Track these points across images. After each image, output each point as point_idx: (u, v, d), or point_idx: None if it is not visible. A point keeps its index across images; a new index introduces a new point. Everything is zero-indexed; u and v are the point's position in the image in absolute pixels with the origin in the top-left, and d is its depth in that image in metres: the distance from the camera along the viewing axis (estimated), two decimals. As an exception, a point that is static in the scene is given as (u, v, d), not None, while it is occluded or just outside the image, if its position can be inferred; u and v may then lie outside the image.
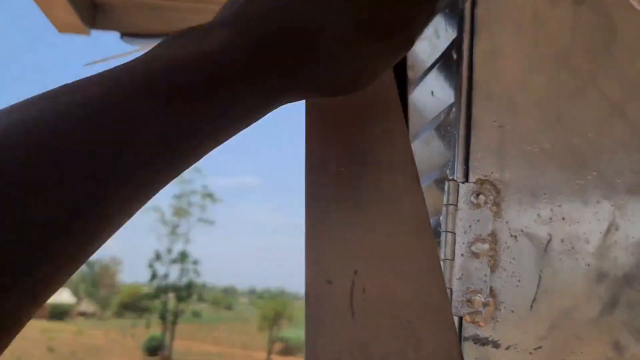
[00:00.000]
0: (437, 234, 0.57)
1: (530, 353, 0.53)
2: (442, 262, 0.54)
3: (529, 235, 0.54)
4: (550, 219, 0.54)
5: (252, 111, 0.36)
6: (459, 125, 0.56)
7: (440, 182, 0.62)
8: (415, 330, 0.32)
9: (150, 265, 39.17)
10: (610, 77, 0.56)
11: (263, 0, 0.37)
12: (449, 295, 0.53)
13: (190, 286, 38.02)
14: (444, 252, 0.54)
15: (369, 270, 0.32)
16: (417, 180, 0.42)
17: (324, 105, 0.49)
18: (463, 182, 0.55)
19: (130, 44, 1.65)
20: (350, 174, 0.41)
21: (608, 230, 0.54)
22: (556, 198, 0.54)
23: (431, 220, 0.60)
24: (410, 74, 0.81)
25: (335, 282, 0.32)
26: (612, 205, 0.54)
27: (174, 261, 38.72)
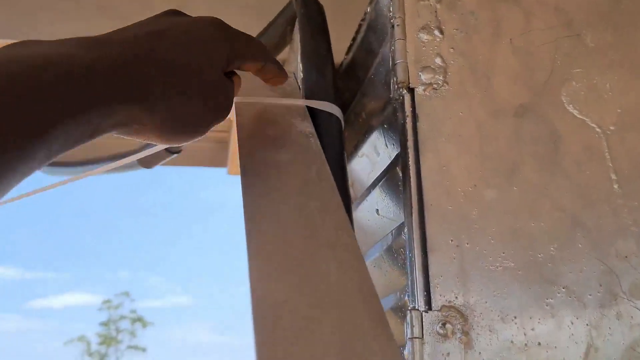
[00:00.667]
0: (403, 373, 0.50)
1: None
2: (413, 409, 0.47)
3: (505, 367, 0.48)
4: (526, 345, 0.49)
5: (86, 122, 0.36)
6: (413, 247, 0.52)
7: (398, 310, 0.56)
8: None
9: (75, 403, 35.74)
10: (561, 187, 0.54)
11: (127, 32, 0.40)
12: None
13: (120, 423, 34.81)
14: (414, 396, 0.47)
15: None
16: (361, 257, 0.39)
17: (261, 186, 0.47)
18: (426, 311, 0.49)
19: (50, 174, 1.56)
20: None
21: (587, 354, 0.49)
22: (528, 321, 0.49)
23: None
24: (352, 192, 0.77)
25: None
26: (587, 325, 0.50)
27: (102, 396, 35.58)
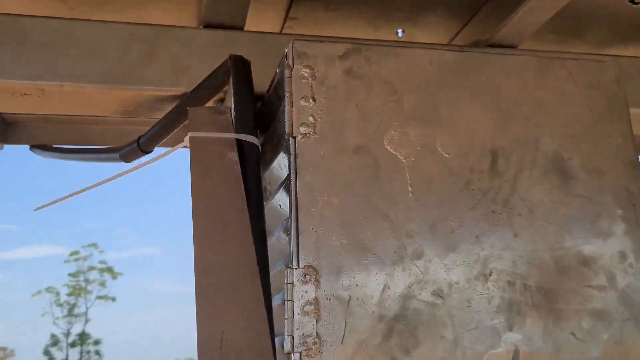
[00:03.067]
0: (283, 302, 0.90)
1: (344, 370, 0.87)
2: (285, 320, 0.87)
3: (337, 298, 0.88)
4: (349, 286, 0.89)
5: None
6: (291, 232, 0.91)
7: (286, 267, 0.96)
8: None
9: (46, 352, 36.42)
10: (378, 195, 0.94)
11: None
12: (292, 341, 0.86)
13: (92, 369, 35.70)
14: (287, 313, 0.87)
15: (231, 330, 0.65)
16: (256, 274, 0.77)
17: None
18: (296, 268, 0.89)
19: (40, 155, 1.89)
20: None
21: (384, 290, 0.90)
22: (352, 273, 0.90)
23: (279, 294, 0.93)
24: (269, 187, 1.16)
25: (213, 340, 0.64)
26: (385, 274, 0.90)
27: (73, 344, 36.32)
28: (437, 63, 1.02)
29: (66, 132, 1.92)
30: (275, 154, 1.11)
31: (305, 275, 0.89)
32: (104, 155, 1.48)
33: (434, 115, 0.99)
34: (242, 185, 0.92)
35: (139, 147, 1.35)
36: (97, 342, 36.27)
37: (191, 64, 1.23)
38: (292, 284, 0.88)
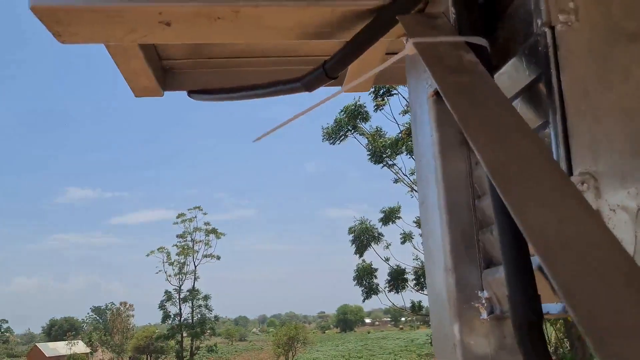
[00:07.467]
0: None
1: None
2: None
3: (624, 208, 0.76)
4: (637, 194, 0.76)
5: None
6: (557, 133, 0.79)
7: (545, 178, 0.84)
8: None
9: (162, 306, 39.18)
10: (661, 89, 0.79)
11: None
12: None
13: (203, 322, 38.16)
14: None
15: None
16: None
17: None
18: (570, 176, 0.77)
19: (197, 100, 1.87)
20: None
21: (678, 197, 0.76)
22: (638, 179, 0.77)
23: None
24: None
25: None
26: (678, 180, 0.76)
27: (184, 299, 38.81)
28: None
29: (222, 76, 1.90)
30: (504, 61, 0.98)
31: (582, 184, 0.77)
32: (282, 87, 1.42)
33: None
34: (498, 87, 0.81)
35: (325, 72, 1.27)
36: (206, 298, 38.55)
37: (388, -29, 1.11)
38: (568, 193, 0.77)
